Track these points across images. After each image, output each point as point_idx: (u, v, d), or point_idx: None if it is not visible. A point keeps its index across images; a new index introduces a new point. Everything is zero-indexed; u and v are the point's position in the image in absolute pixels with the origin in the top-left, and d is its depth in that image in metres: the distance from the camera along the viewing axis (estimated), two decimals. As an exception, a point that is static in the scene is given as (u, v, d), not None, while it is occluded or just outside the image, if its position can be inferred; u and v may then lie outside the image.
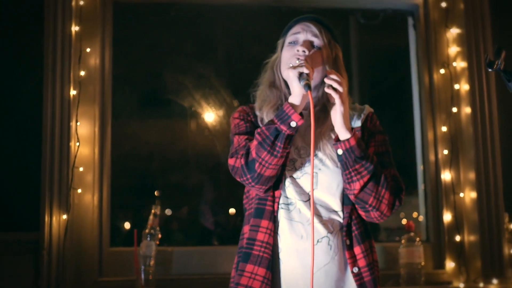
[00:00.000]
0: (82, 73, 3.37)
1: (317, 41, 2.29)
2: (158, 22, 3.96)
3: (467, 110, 3.58)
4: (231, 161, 2.22)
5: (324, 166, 2.25)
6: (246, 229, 2.28)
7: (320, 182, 2.23)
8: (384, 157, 2.28)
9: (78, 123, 3.32)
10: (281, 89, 2.34)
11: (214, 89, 3.89)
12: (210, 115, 3.87)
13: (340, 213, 2.24)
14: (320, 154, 2.26)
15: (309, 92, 2.07)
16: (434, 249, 3.60)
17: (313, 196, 2.19)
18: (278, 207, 2.23)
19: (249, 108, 2.39)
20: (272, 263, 2.21)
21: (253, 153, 2.14)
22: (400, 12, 3.96)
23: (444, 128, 3.63)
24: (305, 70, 2.11)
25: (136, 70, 3.99)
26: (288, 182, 2.24)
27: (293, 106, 2.12)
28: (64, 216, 3.18)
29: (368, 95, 4.51)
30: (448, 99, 3.66)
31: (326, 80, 2.15)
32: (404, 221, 3.94)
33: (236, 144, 2.27)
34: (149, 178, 4.02)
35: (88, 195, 3.32)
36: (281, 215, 2.23)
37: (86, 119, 3.37)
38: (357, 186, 2.14)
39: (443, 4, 3.71)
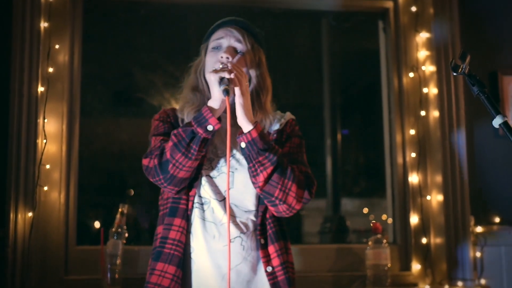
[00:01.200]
0: (51, 69, 3.33)
1: (240, 47, 2.33)
2: (129, 20, 3.94)
3: (435, 113, 3.61)
4: (145, 161, 2.22)
5: (240, 166, 2.26)
6: (159, 229, 2.29)
7: (236, 181, 2.25)
8: (296, 156, 2.31)
9: (46, 120, 3.28)
10: (204, 93, 2.36)
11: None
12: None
13: (255, 213, 2.26)
14: (237, 154, 2.28)
15: (226, 97, 2.09)
16: (401, 251, 3.63)
17: (229, 196, 2.19)
18: (192, 206, 2.24)
19: (170, 110, 2.41)
20: (184, 262, 2.22)
21: (168, 154, 2.14)
22: (371, 16, 3.99)
23: (412, 131, 3.66)
24: (227, 75, 2.13)
25: (106, 68, 3.97)
26: (204, 181, 2.26)
27: (211, 109, 2.14)
28: (30, 214, 3.15)
29: (339, 97, 4.53)
30: (416, 102, 3.69)
31: (230, 71, 2.17)
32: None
33: (152, 145, 2.27)
34: (119, 177, 4.00)
35: (54, 193, 3.29)
36: (195, 214, 2.24)
37: (53, 116, 3.33)
38: (261, 178, 2.15)
39: (413, 9, 3.75)
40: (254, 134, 2.14)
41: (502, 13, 3.83)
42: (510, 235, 3.57)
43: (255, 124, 2.17)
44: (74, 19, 3.48)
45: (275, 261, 2.23)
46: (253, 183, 2.20)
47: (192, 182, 2.25)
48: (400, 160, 3.69)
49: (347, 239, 4.21)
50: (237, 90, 2.15)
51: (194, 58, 2.46)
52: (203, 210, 2.24)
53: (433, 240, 3.56)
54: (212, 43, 2.36)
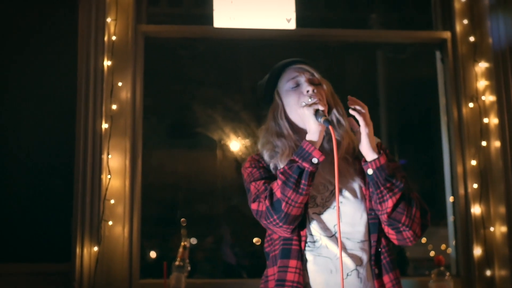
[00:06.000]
0: (114, 106, 3.42)
1: (316, 81, 2.34)
2: (188, 56, 4.02)
3: (496, 144, 3.57)
4: (254, 206, 2.22)
5: (344, 198, 2.26)
6: (271, 271, 2.29)
7: (344, 215, 2.24)
8: (407, 182, 2.29)
9: (110, 156, 3.36)
10: (289, 137, 2.35)
11: (244, 122, 3.92)
12: (236, 145, 3.91)
13: (367, 243, 2.25)
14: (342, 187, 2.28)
15: (330, 127, 2.11)
16: (465, 284, 3.57)
17: (340, 229, 2.19)
18: (305, 246, 2.24)
19: (258, 156, 2.40)
20: None
21: (278, 193, 2.14)
22: (428, 46, 3.98)
23: (473, 162, 3.62)
24: (320, 107, 2.17)
25: (166, 103, 4.05)
26: (311, 219, 2.25)
27: (312, 143, 2.15)
28: (95, 248, 3.21)
29: (396, 128, 4.52)
30: (477, 132, 3.65)
31: (350, 104, 2.20)
32: (432, 253, 3.91)
33: (255, 190, 2.27)
34: (177, 209, 4.05)
35: (118, 227, 3.35)
36: (309, 252, 2.24)
37: (117, 152, 3.41)
38: (390, 204, 2.15)
39: (471, 39, 3.73)
40: (383, 161, 2.16)
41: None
42: None
43: (381, 152, 2.19)
44: (136, 57, 3.57)
45: None
46: (378, 210, 2.20)
47: (301, 222, 2.25)
48: (461, 190, 3.65)
49: (407, 270, 4.15)
50: (361, 120, 2.17)
51: (265, 108, 2.45)
52: (317, 248, 2.24)
53: (498, 272, 3.49)
54: (287, 84, 2.37)
